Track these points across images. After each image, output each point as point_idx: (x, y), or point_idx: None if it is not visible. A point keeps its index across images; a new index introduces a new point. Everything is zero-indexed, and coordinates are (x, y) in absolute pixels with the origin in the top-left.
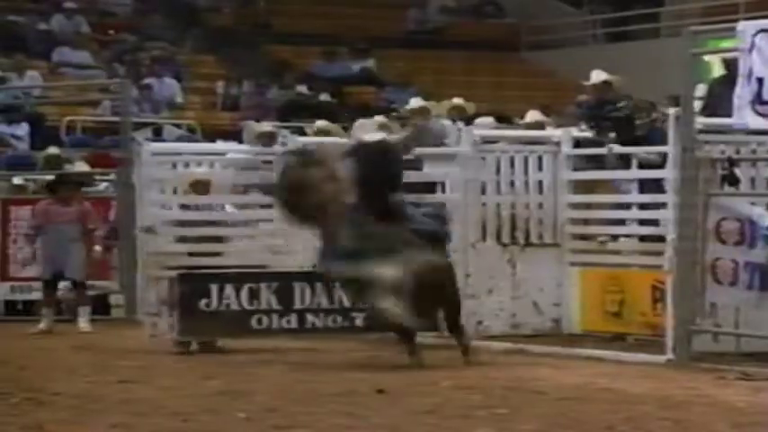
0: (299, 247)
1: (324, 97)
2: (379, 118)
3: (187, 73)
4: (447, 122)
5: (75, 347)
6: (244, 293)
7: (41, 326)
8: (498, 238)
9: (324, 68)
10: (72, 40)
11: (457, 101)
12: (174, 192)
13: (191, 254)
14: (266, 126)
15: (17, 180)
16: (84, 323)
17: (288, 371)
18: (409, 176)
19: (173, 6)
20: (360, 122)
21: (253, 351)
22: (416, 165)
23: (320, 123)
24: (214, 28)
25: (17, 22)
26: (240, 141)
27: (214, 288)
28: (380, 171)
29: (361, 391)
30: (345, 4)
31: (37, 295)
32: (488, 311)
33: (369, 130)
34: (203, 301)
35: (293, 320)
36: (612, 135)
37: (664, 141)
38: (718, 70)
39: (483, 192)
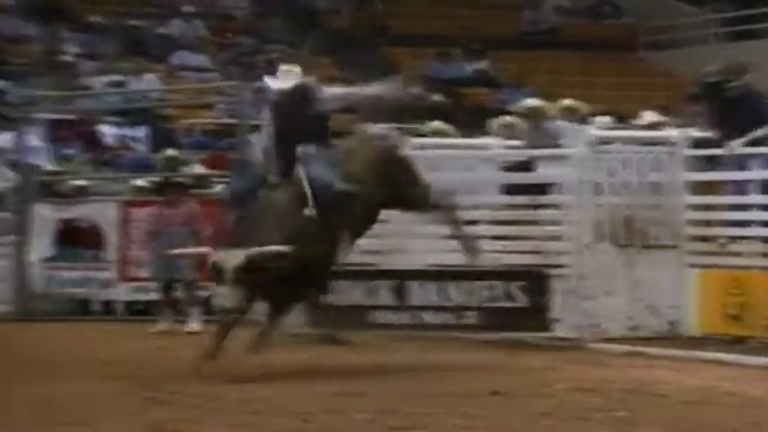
0: (415, 246)
1: (438, 98)
2: (508, 118)
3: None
4: (562, 123)
5: (192, 347)
6: (363, 289)
7: (161, 326)
8: (614, 239)
9: (439, 70)
10: (190, 43)
11: (568, 102)
12: None
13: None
14: (380, 127)
15: (137, 182)
16: (193, 323)
17: (403, 371)
18: (523, 178)
19: (291, 9)
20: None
21: (369, 352)
22: (530, 166)
23: (435, 124)
24: (332, 30)
25: (137, 27)
26: None
27: (337, 284)
28: (290, 121)
29: (475, 393)
30: (461, 5)
31: (155, 296)
32: (605, 314)
33: (282, 79)
34: (331, 296)
35: (407, 317)
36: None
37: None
38: None
39: (598, 193)
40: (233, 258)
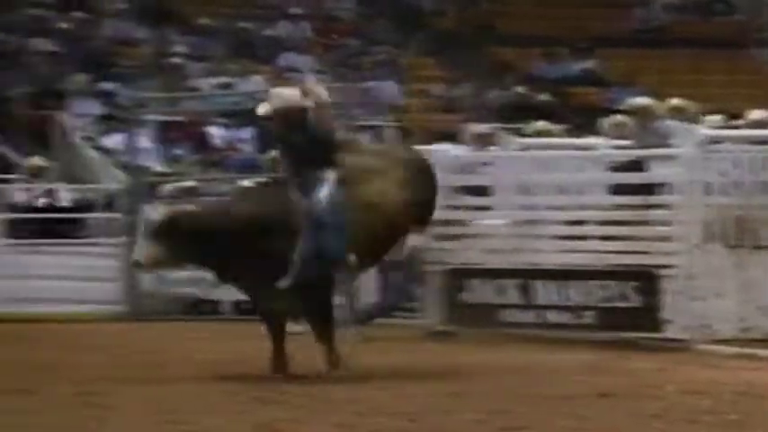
0: (542, 246)
1: (544, 98)
2: (619, 117)
3: (408, 76)
4: (672, 122)
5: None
6: (492, 288)
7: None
8: (725, 240)
9: (546, 69)
10: (297, 45)
11: (677, 101)
12: None
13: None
14: (483, 127)
15: (244, 183)
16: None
17: (512, 371)
18: (632, 178)
19: (397, 10)
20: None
21: (479, 351)
22: (639, 166)
23: (540, 124)
24: (438, 31)
25: (245, 29)
26: (459, 143)
27: (470, 282)
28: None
29: (584, 394)
30: (568, 4)
31: None
32: (716, 315)
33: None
34: (462, 294)
35: (532, 316)
36: None
37: None
38: None
39: (708, 193)
40: (155, 212)
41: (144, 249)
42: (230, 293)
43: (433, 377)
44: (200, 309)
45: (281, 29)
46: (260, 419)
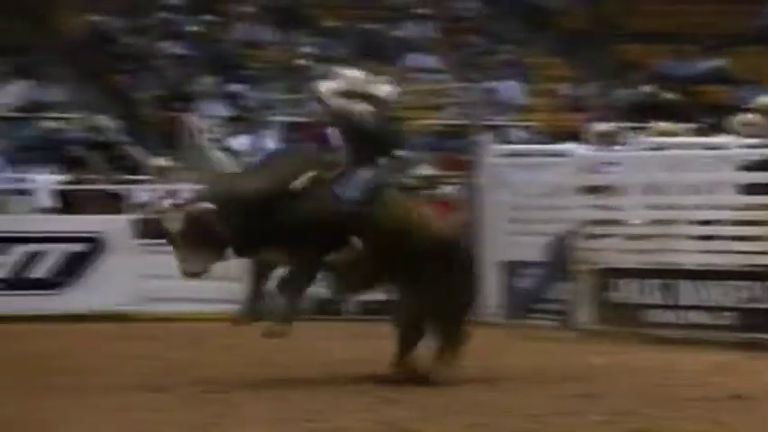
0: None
1: (671, 96)
2: (750, 116)
3: (534, 75)
4: None
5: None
6: (638, 287)
7: None
8: None
9: (673, 68)
10: (422, 45)
11: None
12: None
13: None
14: (607, 126)
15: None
16: None
17: (639, 372)
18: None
19: (523, 9)
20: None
21: (618, 352)
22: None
23: (664, 125)
24: (565, 30)
25: (371, 30)
26: (584, 142)
27: (617, 282)
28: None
29: (714, 396)
30: (697, 1)
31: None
32: None
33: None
34: (610, 294)
35: (675, 316)
36: None
37: None
38: None
39: None
40: (172, 221)
41: (185, 259)
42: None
43: (564, 377)
44: (324, 308)
45: (407, 29)
46: (387, 418)
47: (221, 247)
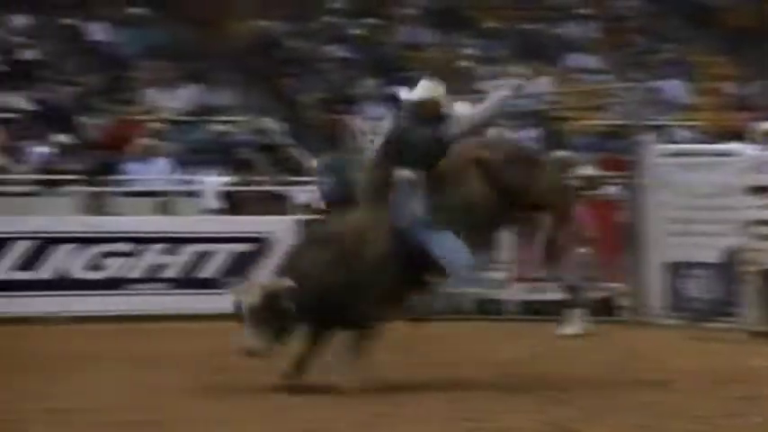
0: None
1: None
2: None
3: (698, 74)
4: None
5: (589, 348)
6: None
7: (570, 329)
8: None
9: None
10: (584, 45)
11: None
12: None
13: None
14: None
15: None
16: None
17: None
18: None
19: (686, 8)
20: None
21: None
22: None
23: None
24: (729, 28)
25: (532, 30)
26: (749, 142)
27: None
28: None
29: None
30: None
31: (552, 296)
32: None
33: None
34: None
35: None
36: None
37: None
38: None
39: None
40: (249, 295)
41: (254, 336)
42: (515, 293)
43: (730, 379)
44: (485, 308)
45: (568, 29)
46: (554, 418)
47: (291, 328)
